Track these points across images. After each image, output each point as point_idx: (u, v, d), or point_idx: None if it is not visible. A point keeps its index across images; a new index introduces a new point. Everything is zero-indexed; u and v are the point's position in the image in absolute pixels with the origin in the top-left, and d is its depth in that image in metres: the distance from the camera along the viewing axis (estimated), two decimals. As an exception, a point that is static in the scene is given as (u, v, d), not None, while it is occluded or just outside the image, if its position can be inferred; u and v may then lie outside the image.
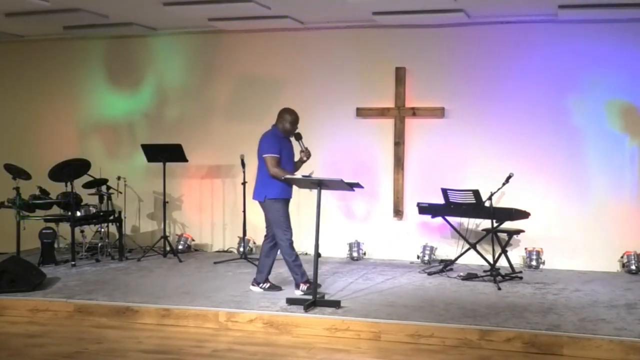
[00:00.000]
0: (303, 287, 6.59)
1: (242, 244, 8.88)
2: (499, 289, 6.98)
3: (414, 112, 8.79)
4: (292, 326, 5.87)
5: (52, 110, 10.19)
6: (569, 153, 8.41)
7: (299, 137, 6.80)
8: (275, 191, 6.57)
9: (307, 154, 6.79)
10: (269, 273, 6.87)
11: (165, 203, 8.94)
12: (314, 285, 6.26)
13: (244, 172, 8.66)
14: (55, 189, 8.70)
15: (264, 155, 6.60)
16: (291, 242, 6.65)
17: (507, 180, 7.56)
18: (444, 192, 7.74)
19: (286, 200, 6.69)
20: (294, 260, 6.63)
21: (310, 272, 6.51)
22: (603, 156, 8.32)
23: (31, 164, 8.94)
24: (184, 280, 7.42)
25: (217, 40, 9.51)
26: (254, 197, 6.75)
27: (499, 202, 8.27)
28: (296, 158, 6.88)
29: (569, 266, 8.28)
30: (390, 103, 8.88)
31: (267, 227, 6.81)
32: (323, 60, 9.18)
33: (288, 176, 6.51)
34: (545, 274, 7.91)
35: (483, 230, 8.10)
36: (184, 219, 9.75)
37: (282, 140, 6.73)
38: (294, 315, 5.93)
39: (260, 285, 6.84)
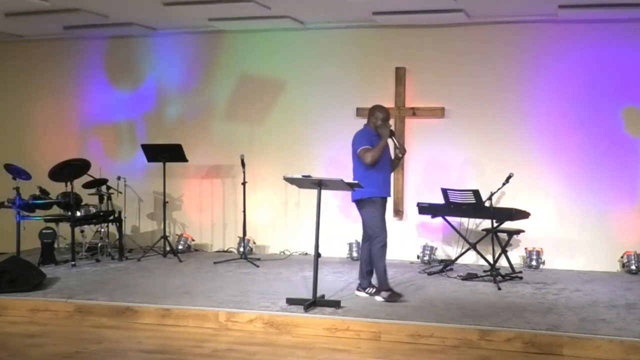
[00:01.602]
0: (384, 294, 6.42)
1: (242, 244, 8.88)
2: (499, 289, 6.97)
3: (414, 112, 8.79)
4: (292, 326, 5.87)
5: (52, 110, 10.19)
6: (569, 153, 8.41)
7: (391, 134, 6.55)
8: (370, 190, 6.41)
9: (401, 150, 6.59)
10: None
11: (165, 203, 8.94)
12: (314, 285, 6.26)
13: (244, 172, 8.66)
14: (55, 189, 8.71)
15: (357, 151, 6.44)
16: (384, 245, 6.45)
17: (507, 180, 7.56)
18: (444, 192, 7.74)
19: (382, 200, 6.50)
20: (384, 267, 6.43)
21: (313, 273, 6.51)
22: (603, 156, 8.32)
23: (31, 164, 8.95)
24: (184, 280, 7.42)
25: (217, 40, 9.52)
26: (352, 199, 6.57)
27: (499, 202, 8.28)
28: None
29: (569, 266, 8.28)
30: (390, 103, 8.87)
31: (363, 229, 6.65)
32: (323, 60, 9.18)
33: (288, 176, 6.51)
34: (545, 274, 7.91)
35: (483, 230, 8.09)
36: (184, 219, 9.75)
37: (374, 137, 6.50)
38: (294, 315, 5.93)
39: (367, 290, 6.60)
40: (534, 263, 8.25)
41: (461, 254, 8.15)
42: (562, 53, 8.40)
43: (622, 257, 8.18)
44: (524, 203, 8.02)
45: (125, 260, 8.70)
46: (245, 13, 8.37)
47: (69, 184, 8.32)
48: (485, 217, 7.67)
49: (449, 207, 7.79)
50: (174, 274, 7.85)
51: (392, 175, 6.80)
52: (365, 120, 8.45)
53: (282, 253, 9.24)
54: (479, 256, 7.96)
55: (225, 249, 9.51)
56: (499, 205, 8.10)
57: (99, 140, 10.04)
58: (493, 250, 7.44)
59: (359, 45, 9.06)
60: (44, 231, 8.44)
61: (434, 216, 8.11)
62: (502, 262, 7.80)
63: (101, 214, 8.69)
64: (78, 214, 8.42)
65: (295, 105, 9.31)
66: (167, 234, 9.03)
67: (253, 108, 9.45)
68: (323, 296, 6.42)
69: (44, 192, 8.63)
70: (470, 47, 8.68)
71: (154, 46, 9.83)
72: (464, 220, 8.36)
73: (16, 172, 8.41)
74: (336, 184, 6.38)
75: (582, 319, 5.78)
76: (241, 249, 8.88)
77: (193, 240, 9.55)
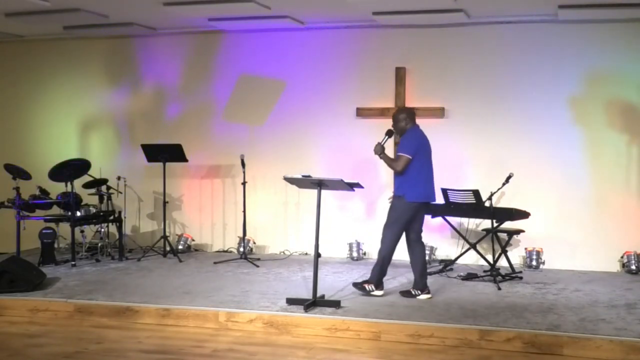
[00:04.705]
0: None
1: (242, 244, 8.88)
2: (499, 289, 6.98)
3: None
4: (292, 326, 5.87)
5: (52, 110, 10.19)
6: (569, 153, 8.41)
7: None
8: None
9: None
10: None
11: (165, 203, 8.93)
12: (314, 286, 6.26)
13: (244, 172, 8.66)
14: (55, 189, 8.71)
15: None
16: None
17: (507, 180, 7.56)
18: (444, 192, 7.74)
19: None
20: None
21: (314, 273, 6.50)
22: (603, 156, 8.33)
23: (31, 164, 8.95)
24: (184, 280, 7.42)
25: (217, 40, 9.52)
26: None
27: (499, 202, 8.28)
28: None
29: (569, 266, 8.28)
30: (390, 103, 8.88)
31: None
32: (323, 60, 9.18)
33: (288, 176, 6.52)
34: (545, 274, 7.91)
35: (483, 230, 8.10)
36: (184, 219, 9.75)
37: None
38: (294, 315, 5.94)
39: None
40: (534, 263, 8.25)
41: (461, 254, 8.15)
42: (562, 53, 8.40)
43: (622, 257, 8.18)
44: (524, 203, 8.01)
45: (125, 260, 8.70)
46: (245, 13, 8.37)
47: (69, 184, 8.32)
48: (485, 217, 7.67)
49: (449, 207, 7.79)
50: (174, 274, 7.85)
51: (394, 175, 6.77)
52: (363, 120, 8.48)
53: (282, 253, 9.24)
54: (479, 256, 7.95)
55: (225, 249, 9.51)
56: (499, 205, 8.09)
57: (99, 140, 10.05)
58: (493, 250, 7.45)
59: (359, 45, 9.05)
60: (44, 231, 8.44)
61: (434, 216, 8.11)
62: (502, 262, 7.81)
63: (101, 214, 8.69)
64: (78, 214, 8.42)
65: (295, 105, 9.31)
66: (167, 234, 9.02)
67: (253, 108, 9.45)
68: (323, 296, 6.42)
69: (44, 192, 8.63)
70: (470, 47, 8.68)
71: (154, 46, 9.83)
72: (464, 220, 8.37)
73: (16, 172, 8.41)
74: (336, 184, 6.39)
75: (582, 319, 5.79)
76: (241, 249, 8.88)
77: (193, 240, 9.55)
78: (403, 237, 6.72)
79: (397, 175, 6.63)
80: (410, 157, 6.52)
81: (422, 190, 6.60)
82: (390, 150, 6.92)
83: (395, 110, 6.87)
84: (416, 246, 6.74)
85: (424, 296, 6.63)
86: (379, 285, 6.69)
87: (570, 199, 8.42)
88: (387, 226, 6.68)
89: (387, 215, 6.69)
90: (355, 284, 6.72)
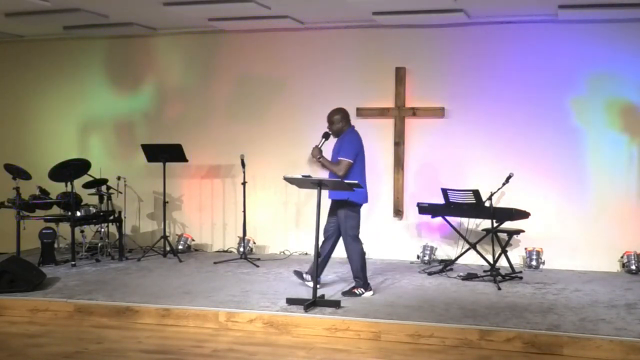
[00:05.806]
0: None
1: (242, 244, 8.88)
2: (499, 289, 6.98)
3: (414, 112, 8.79)
4: (292, 326, 5.87)
5: (52, 110, 10.19)
6: (569, 153, 8.41)
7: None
8: None
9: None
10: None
11: (165, 203, 8.94)
12: (314, 285, 6.26)
13: (244, 172, 8.66)
14: (55, 189, 8.71)
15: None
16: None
17: (507, 180, 7.56)
18: (444, 192, 7.74)
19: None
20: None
21: (314, 273, 6.50)
22: (603, 156, 8.33)
23: (31, 164, 8.95)
24: (184, 280, 7.42)
25: (217, 40, 9.52)
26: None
27: (499, 202, 8.28)
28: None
29: (569, 266, 8.28)
30: (390, 103, 8.88)
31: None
32: (323, 60, 9.18)
33: (288, 176, 6.52)
34: (545, 274, 7.91)
35: (483, 230, 8.10)
36: (184, 219, 9.75)
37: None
38: (294, 315, 5.94)
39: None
40: (534, 263, 8.25)
41: (461, 254, 8.15)
42: (562, 53, 8.40)
43: (622, 257, 8.18)
44: (524, 203, 8.02)
45: (125, 260, 8.70)
46: (245, 13, 8.37)
47: (69, 184, 8.32)
48: (485, 217, 7.67)
49: (449, 207, 7.79)
50: (174, 274, 7.85)
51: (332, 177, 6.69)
52: (363, 120, 8.48)
53: (282, 253, 9.24)
54: (479, 256, 7.95)
55: (225, 249, 9.51)
56: (499, 205, 8.09)
57: (99, 140, 10.05)
58: (493, 250, 7.45)
59: (359, 45, 9.05)
60: (44, 231, 8.44)
61: (434, 216, 8.12)
62: (502, 262, 7.80)
63: (101, 214, 8.69)
64: (78, 214, 8.43)
65: (295, 105, 9.31)
66: (167, 234, 9.02)
67: (253, 108, 9.44)
68: (323, 296, 6.43)
69: (44, 192, 8.64)
70: (470, 47, 8.67)
71: (154, 46, 9.83)
72: (464, 220, 8.36)
73: (16, 172, 8.41)
74: (336, 184, 6.39)
75: (582, 319, 5.79)
76: (241, 249, 8.88)
77: (193, 240, 9.55)
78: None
79: (339, 178, 6.53)
80: (352, 161, 6.54)
81: (364, 192, 6.68)
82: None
83: (330, 112, 6.74)
84: (331, 241, 6.87)
85: (310, 283, 6.79)
86: (366, 287, 6.72)
87: (570, 199, 8.42)
88: (346, 236, 6.72)
89: (343, 226, 6.70)
90: (344, 293, 6.69)
